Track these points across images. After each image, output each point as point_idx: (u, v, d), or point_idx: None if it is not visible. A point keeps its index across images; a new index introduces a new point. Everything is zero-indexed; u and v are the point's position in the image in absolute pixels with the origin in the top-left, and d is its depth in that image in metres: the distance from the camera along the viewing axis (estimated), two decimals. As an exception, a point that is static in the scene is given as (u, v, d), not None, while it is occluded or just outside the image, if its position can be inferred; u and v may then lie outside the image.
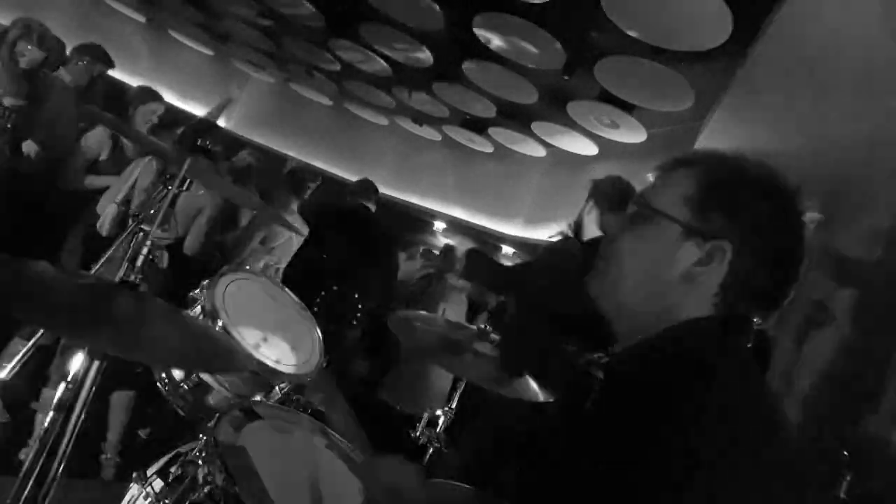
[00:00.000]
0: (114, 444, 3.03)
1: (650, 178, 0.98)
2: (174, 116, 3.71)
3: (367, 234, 4.09)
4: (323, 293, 3.63)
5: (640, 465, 0.71)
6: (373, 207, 4.27)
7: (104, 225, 3.01)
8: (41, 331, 1.87)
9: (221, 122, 9.81)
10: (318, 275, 3.80)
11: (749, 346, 0.89)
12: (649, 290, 0.89)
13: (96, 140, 3.52)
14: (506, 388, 1.73)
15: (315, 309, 2.25)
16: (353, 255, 3.91)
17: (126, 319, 1.11)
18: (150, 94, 3.63)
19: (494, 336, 1.81)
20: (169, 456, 1.57)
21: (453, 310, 4.01)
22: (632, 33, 3.88)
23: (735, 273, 0.85)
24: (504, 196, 8.84)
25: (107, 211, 3.04)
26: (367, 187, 4.33)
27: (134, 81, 8.65)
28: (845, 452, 2.18)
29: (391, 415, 3.64)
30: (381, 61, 6.39)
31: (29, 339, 2.89)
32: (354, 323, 3.83)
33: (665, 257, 0.88)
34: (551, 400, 1.78)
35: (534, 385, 1.77)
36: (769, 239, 0.86)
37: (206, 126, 3.67)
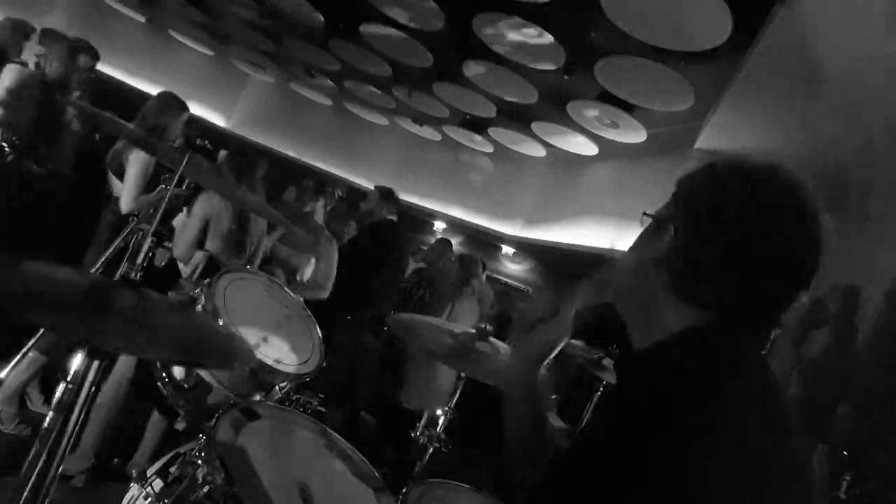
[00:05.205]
0: (141, 464, 2.85)
1: None
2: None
3: (390, 246, 4.17)
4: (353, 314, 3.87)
5: (648, 471, 0.71)
6: (394, 217, 4.29)
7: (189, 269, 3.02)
8: (41, 331, 1.87)
9: (222, 124, 9.81)
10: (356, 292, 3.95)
11: (763, 352, 0.92)
12: (637, 281, 0.96)
13: (141, 160, 2.98)
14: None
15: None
16: (380, 266, 4.05)
17: (127, 316, 1.11)
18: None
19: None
20: (169, 456, 1.57)
21: (465, 317, 4.01)
22: (632, 33, 3.88)
23: (680, 252, 0.89)
24: (504, 196, 8.83)
25: (195, 257, 3.04)
26: (387, 197, 4.29)
27: (134, 81, 8.71)
28: (845, 452, 2.18)
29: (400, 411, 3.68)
30: (381, 61, 6.39)
31: (44, 353, 2.86)
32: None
33: (644, 249, 0.96)
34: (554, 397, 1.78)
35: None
36: (715, 224, 0.87)
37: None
